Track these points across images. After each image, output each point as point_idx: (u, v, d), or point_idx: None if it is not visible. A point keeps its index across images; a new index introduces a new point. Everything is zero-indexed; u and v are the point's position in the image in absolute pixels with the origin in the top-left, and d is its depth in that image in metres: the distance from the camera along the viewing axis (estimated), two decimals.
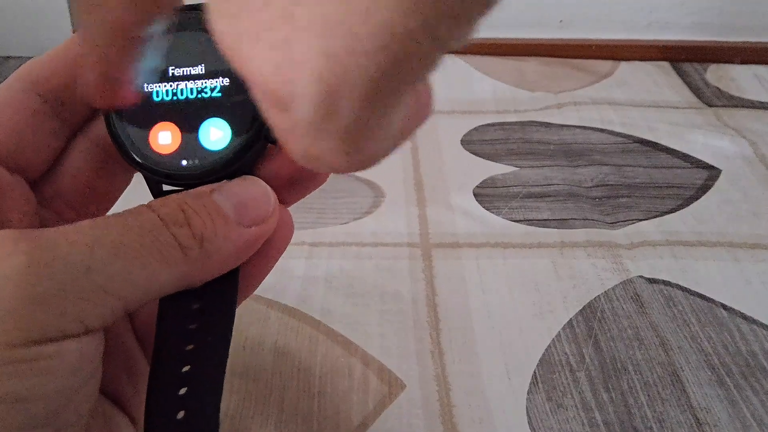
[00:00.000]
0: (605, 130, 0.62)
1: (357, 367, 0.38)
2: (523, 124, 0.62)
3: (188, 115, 0.22)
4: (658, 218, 0.50)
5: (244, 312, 0.41)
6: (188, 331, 0.20)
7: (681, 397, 0.37)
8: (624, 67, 0.73)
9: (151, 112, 0.22)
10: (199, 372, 0.20)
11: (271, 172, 0.22)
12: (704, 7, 0.75)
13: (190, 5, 0.22)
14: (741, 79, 0.71)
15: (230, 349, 0.20)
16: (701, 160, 0.57)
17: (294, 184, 0.22)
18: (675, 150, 0.59)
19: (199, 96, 0.22)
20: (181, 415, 0.19)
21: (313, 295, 0.43)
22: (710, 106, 0.66)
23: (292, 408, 0.36)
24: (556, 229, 0.49)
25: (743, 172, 0.56)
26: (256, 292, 0.25)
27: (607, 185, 0.54)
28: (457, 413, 0.36)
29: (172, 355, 0.20)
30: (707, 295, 0.44)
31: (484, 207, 0.51)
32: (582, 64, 0.73)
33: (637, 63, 0.74)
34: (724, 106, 0.66)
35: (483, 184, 0.53)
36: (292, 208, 0.23)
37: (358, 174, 0.54)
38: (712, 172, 0.56)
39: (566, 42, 0.75)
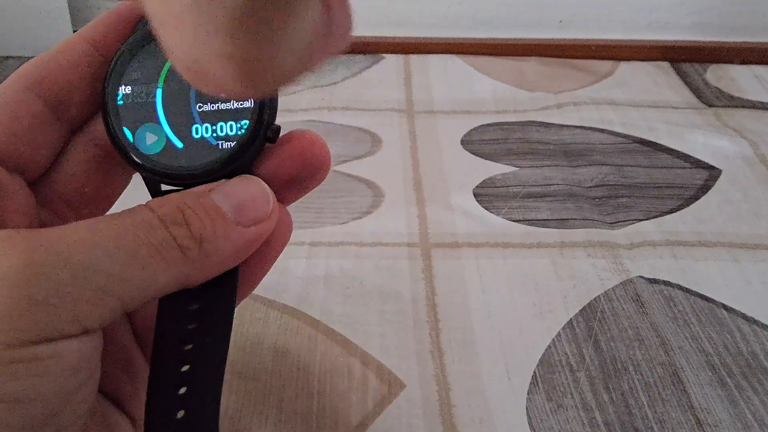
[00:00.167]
0: (605, 130, 0.61)
1: (356, 366, 0.38)
2: (522, 124, 0.62)
3: (187, 115, 0.21)
4: (658, 218, 0.50)
5: (244, 312, 0.41)
6: (187, 330, 0.20)
7: (682, 397, 0.37)
8: (624, 67, 0.73)
9: (151, 112, 0.22)
10: (199, 371, 0.20)
11: (270, 171, 0.22)
12: (704, 7, 0.75)
13: None
14: (741, 80, 0.71)
15: (229, 349, 0.20)
16: (701, 160, 0.57)
17: (293, 184, 0.22)
18: (675, 150, 0.59)
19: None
20: (180, 414, 0.19)
21: (313, 295, 0.43)
22: (710, 106, 0.66)
23: (291, 407, 0.36)
24: (556, 229, 0.49)
25: (743, 172, 0.56)
26: (256, 291, 0.25)
27: (607, 185, 0.54)
28: (457, 413, 0.36)
29: (172, 355, 0.20)
30: (708, 295, 0.43)
31: (483, 207, 0.51)
32: (582, 64, 0.73)
33: (637, 63, 0.74)
34: (724, 106, 0.66)
35: (483, 184, 0.53)
36: (291, 208, 0.23)
37: (357, 173, 0.54)
38: (712, 172, 0.56)
39: (566, 42, 0.75)
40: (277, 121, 0.22)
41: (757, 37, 0.76)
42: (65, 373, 0.17)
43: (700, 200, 0.52)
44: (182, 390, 0.20)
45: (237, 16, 0.11)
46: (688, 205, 0.52)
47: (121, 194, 0.24)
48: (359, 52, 0.74)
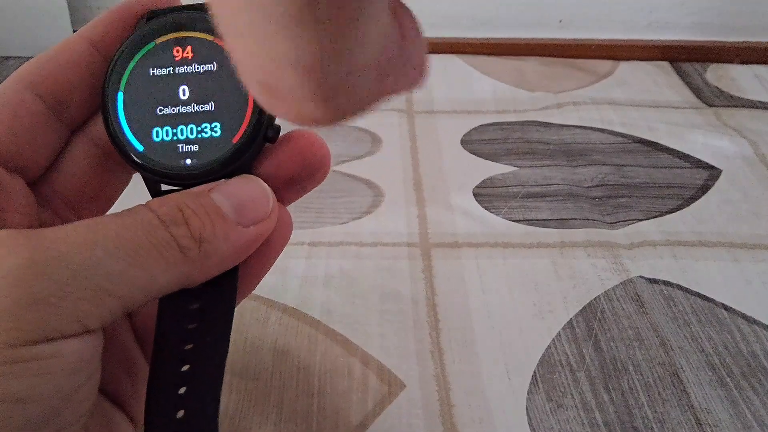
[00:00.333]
0: (605, 130, 0.61)
1: (356, 366, 0.38)
2: (522, 124, 0.62)
3: (187, 114, 0.22)
4: (658, 218, 0.50)
5: (244, 312, 0.41)
6: (187, 330, 0.20)
7: (682, 397, 0.37)
8: (624, 67, 0.73)
9: (150, 112, 0.22)
10: (199, 371, 0.20)
11: (270, 171, 0.22)
12: (704, 7, 0.75)
13: (188, 5, 0.22)
14: (741, 79, 0.71)
15: (230, 349, 0.20)
16: (701, 160, 0.57)
17: (292, 183, 0.22)
18: (675, 150, 0.59)
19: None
20: (180, 414, 0.19)
21: (313, 295, 0.43)
22: (710, 106, 0.66)
23: (291, 407, 0.36)
24: (555, 229, 0.49)
25: (743, 172, 0.56)
26: (256, 291, 0.25)
27: (607, 185, 0.54)
28: (457, 413, 0.36)
29: (172, 355, 0.20)
30: (708, 295, 0.43)
31: (483, 207, 0.51)
32: (582, 64, 0.73)
33: (637, 63, 0.74)
34: (724, 106, 0.66)
35: (482, 184, 0.53)
36: (290, 208, 0.23)
37: (357, 173, 0.54)
38: (712, 172, 0.56)
39: (566, 42, 0.75)
40: (277, 121, 0.22)
41: (757, 37, 0.76)
42: (66, 373, 0.17)
43: (700, 200, 0.52)
44: (182, 390, 0.20)
45: (296, 10, 0.11)
46: (688, 205, 0.52)
47: (121, 194, 0.24)
48: None
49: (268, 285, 0.43)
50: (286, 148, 0.22)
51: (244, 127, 0.21)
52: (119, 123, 0.22)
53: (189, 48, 0.22)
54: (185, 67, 0.22)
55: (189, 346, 0.20)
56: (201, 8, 0.22)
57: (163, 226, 0.18)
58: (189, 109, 0.21)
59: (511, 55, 0.75)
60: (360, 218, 0.49)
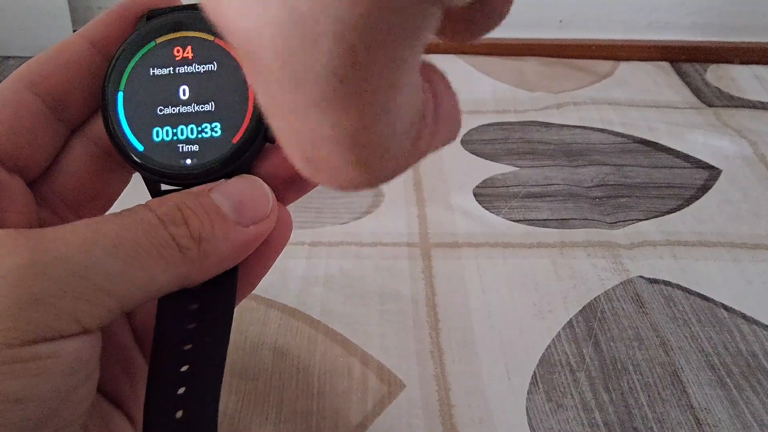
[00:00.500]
0: (605, 130, 0.61)
1: (356, 366, 0.38)
2: (522, 124, 0.62)
3: (187, 114, 0.21)
4: (658, 218, 0.50)
5: (244, 312, 0.41)
6: (187, 330, 0.20)
7: (681, 397, 0.37)
8: (624, 67, 0.73)
9: (150, 112, 0.22)
10: (198, 371, 0.20)
11: (270, 171, 0.22)
12: (704, 7, 0.75)
13: (188, 5, 0.22)
14: (741, 80, 0.71)
15: (229, 349, 0.20)
16: (701, 160, 0.57)
17: (292, 183, 0.22)
18: (675, 150, 0.59)
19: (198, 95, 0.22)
20: (179, 414, 0.19)
21: (313, 295, 0.43)
22: (710, 106, 0.66)
23: (291, 408, 0.36)
24: (556, 229, 0.49)
25: (743, 172, 0.56)
26: (256, 291, 0.25)
27: (607, 185, 0.54)
28: (457, 413, 0.36)
29: (171, 355, 0.20)
30: (707, 295, 0.43)
31: (483, 207, 0.51)
32: (582, 64, 0.73)
33: (637, 63, 0.74)
34: (724, 106, 0.66)
35: (483, 184, 0.53)
36: (290, 208, 0.23)
37: None
38: (712, 172, 0.56)
39: (566, 42, 0.75)
40: None
41: (757, 37, 0.76)
42: (64, 373, 0.17)
43: (700, 200, 0.52)
44: (181, 390, 0.19)
45: (329, 89, 0.11)
46: (688, 205, 0.52)
47: (120, 194, 0.24)
48: None
49: (268, 285, 0.43)
50: None
51: (244, 127, 0.21)
52: (119, 123, 0.22)
53: (189, 48, 0.22)
54: (185, 67, 0.21)
55: (188, 346, 0.20)
56: (200, 8, 0.22)
57: (162, 226, 0.18)
58: (189, 109, 0.21)
59: (511, 55, 0.75)
60: (360, 218, 0.49)
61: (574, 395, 0.37)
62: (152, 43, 0.22)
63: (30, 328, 0.16)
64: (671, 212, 0.51)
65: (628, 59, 0.74)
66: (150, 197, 0.22)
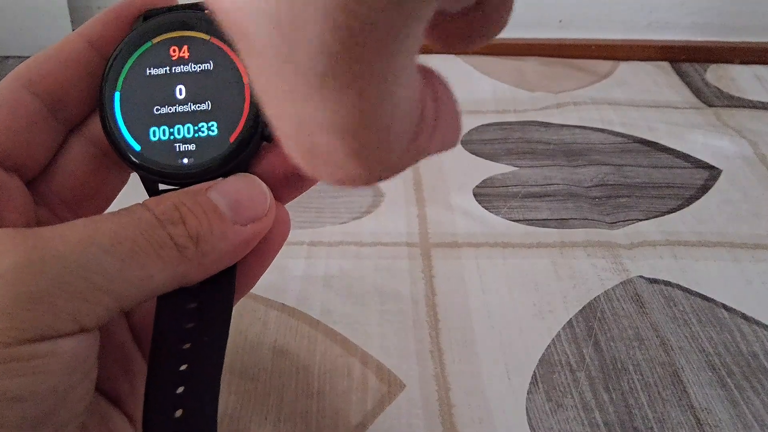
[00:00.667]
0: (605, 130, 0.61)
1: (356, 366, 0.38)
2: (522, 124, 0.62)
3: (184, 113, 0.21)
4: (658, 218, 0.50)
5: (243, 311, 0.41)
6: (185, 329, 0.20)
7: (682, 397, 0.37)
8: (624, 67, 0.73)
9: (147, 112, 0.22)
10: (197, 371, 0.20)
11: (267, 169, 0.22)
12: (704, 7, 0.75)
13: (185, 5, 0.22)
14: (741, 80, 0.71)
15: (229, 349, 0.20)
16: (701, 160, 0.57)
17: (290, 181, 0.22)
18: (675, 150, 0.58)
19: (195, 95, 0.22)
20: (178, 413, 0.19)
21: (312, 295, 0.43)
22: (710, 106, 0.66)
23: (290, 407, 0.36)
24: (555, 229, 0.49)
25: (743, 172, 0.56)
26: (255, 291, 0.25)
27: (607, 185, 0.54)
28: (457, 413, 0.36)
29: (170, 354, 0.20)
30: (708, 295, 0.43)
31: (483, 207, 0.51)
32: (582, 64, 0.73)
33: (637, 63, 0.74)
34: (724, 106, 0.66)
35: (482, 184, 0.53)
36: (290, 208, 0.23)
37: None
38: (712, 172, 0.56)
39: (566, 42, 0.75)
40: None
41: (757, 37, 0.76)
42: (62, 372, 0.17)
43: (700, 200, 0.52)
44: (180, 389, 0.19)
45: (322, 67, 0.11)
46: (688, 205, 0.52)
47: (118, 193, 0.24)
48: None
49: (267, 284, 0.43)
50: None
51: (241, 125, 0.21)
52: (116, 123, 0.22)
53: (186, 47, 0.22)
54: (182, 66, 0.21)
55: (187, 345, 0.20)
56: (198, 8, 0.22)
57: (159, 225, 0.18)
58: (186, 108, 0.21)
59: (511, 55, 0.75)
60: (360, 218, 0.49)
61: (574, 395, 0.37)
62: (149, 43, 0.22)
63: (28, 326, 0.16)
64: (671, 212, 0.51)
65: (628, 59, 0.74)
66: (148, 196, 0.22)
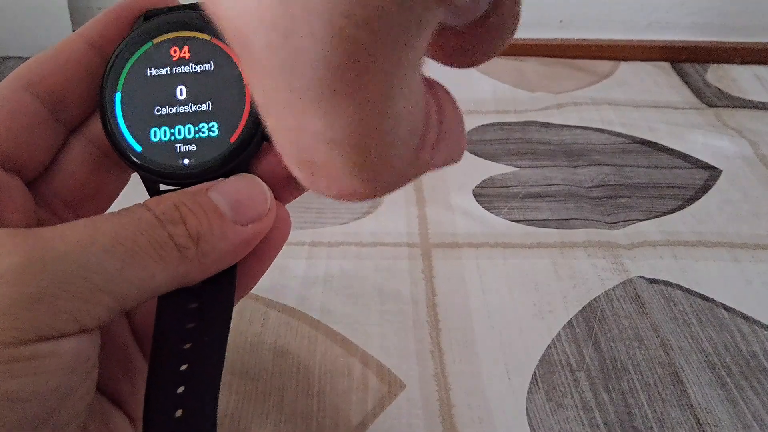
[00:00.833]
0: (605, 130, 0.61)
1: (356, 366, 0.38)
2: (522, 124, 0.62)
3: (185, 114, 0.21)
4: (658, 218, 0.50)
5: (244, 311, 0.41)
6: (186, 329, 0.20)
7: (681, 397, 0.37)
8: (624, 67, 0.73)
9: (148, 113, 0.22)
10: (197, 371, 0.20)
11: (268, 169, 0.22)
12: (704, 7, 0.75)
13: (185, 5, 0.22)
14: (741, 80, 0.71)
15: (229, 349, 0.20)
16: (701, 161, 0.57)
17: (290, 182, 0.22)
18: (675, 150, 0.58)
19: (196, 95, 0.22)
20: (179, 413, 0.19)
21: (313, 295, 0.43)
22: (710, 106, 0.66)
23: (291, 408, 0.36)
24: (556, 229, 0.49)
25: (743, 173, 0.56)
26: (256, 291, 0.25)
27: (607, 185, 0.54)
28: (457, 413, 0.36)
29: (170, 354, 0.20)
30: (708, 295, 0.43)
31: (483, 207, 0.51)
32: (582, 64, 0.73)
33: (637, 63, 0.74)
34: (725, 106, 0.66)
35: (483, 184, 0.53)
36: (291, 209, 0.23)
37: None
38: (713, 173, 0.56)
39: (566, 42, 0.75)
40: None
41: (757, 37, 0.76)
42: (63, 372, 0.17)
43: (700, 200, 0.52)
44: (181, 389, 0.20)
45: (322, 79, 0.11)
46: (688, 205, 0.52)
47: (119, 194, 0.24)
48: None
49: (268, 285, 0.43)
50: None
51: (241, 126, 0.21)
52: (117, 123, 0.22)
53: (186, 48, 0.22)
54: (182, 67, 0.22)
55: (188, 346, 0.20)
56: (198, 8, 0.22)
57: (160, 225, 0.18)
58: (186, 109, 0.21)
59: (511, 55, 0.75)
60: (360, 218, 0.49)
61: (574, 395, 0.37)
62: (149, 44, 0.22)
63: (29, 327, 0.16)
64: (671, 212, 0.51)
65: (628, 59, 0.74)
66: (148, 197, 0.22)
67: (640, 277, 0.45)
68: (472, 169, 0.55)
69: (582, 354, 0.39)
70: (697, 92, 0.68)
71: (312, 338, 0.40)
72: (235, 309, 0.21)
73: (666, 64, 0.74)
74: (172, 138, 0.21)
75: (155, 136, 0.21)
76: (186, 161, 0.21)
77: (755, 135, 0.61)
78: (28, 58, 0.22)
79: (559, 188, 0.53)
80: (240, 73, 0.21)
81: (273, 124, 0.12)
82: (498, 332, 0.40)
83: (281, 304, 0.42)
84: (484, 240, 0.48)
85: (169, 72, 0.22)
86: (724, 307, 0.43)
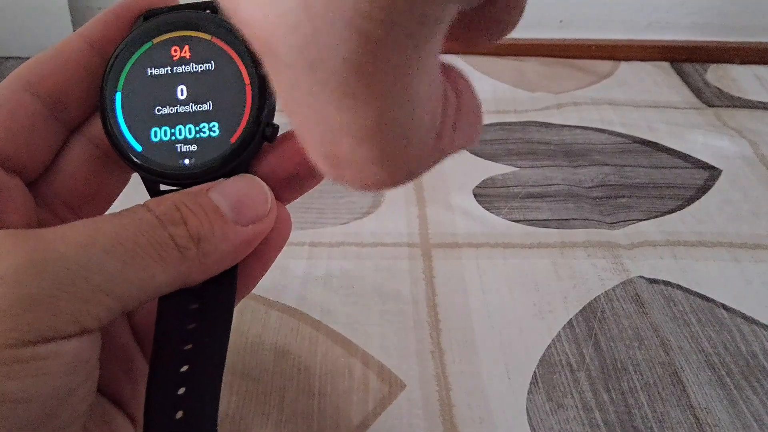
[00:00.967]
0: (605, 130, 0.61)
1: (357, 367, 0.38)
2: (523, 124, 0.62)
3: (185, 114, 0.21)
4: (658, 218, 0.50)
5: (244, 312, 0.41)
6: (187, 330, 0.20)
7: (681, 397, 0.37)
8: (624, 67, 0.73)
9: (148, 112, 0.22)
10: (198, 372, 0.20)
11: (268, 170, 0.22)
12: (704, 7, 0.75)
13: (185, 5, 0.22)
14: (741, 80, 0.71)
15: (230, 349, 0.20)
16: (701, 160, 0.57)
17: (291, 182, 0.22)
18: (675, 150, 0.58)
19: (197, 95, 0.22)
20: (179, 414, 0.19)
21: (313, 295, 0.43)
22: (710, 106, 0.66)
23: (291, 408, 0.36)
24: (556, 229, 0.49)
25: (743, 172, 0.56)
26: (256, 291, 0.25)
27: (607, 185, 0.54)
28: (457, 413, 0.36)
29: (171, 355, 0.20)
30: (707, 295, 0.43)
31: (483, 207, 0.51)
32: (582, 64, 0.73)
33: (637, 63, 0.74)
34: (725, 106, 0.66)
35: (483, 184, 0.53)
36: (291, 209, 0.23)
37: None
38: (713, 172, 0.56)
39: (566, 42, 0.75)
40: (276, 120, 0.22)
41: (757, 37, 0.76)
42: (63, 373, 0.17)
43: (700, 200, 0.52)
44: (181, 390, 0.20)
45: (347, 77, 0.11)
46: (688, 205, 0.52)
47: (119, 194, 0.24)
48: None
49: (268, 285, 0.43)
50: (285, 147, 0.22)
51: (242, 126, 0.21)
52: (117, 123, 0.22)
53: (187, 47, 0.22)
54: (183, 66, 0.21)
55: (188, 346, 0.20)
56: (198, 7, 0.22)
57: (161, 226, 0.18)
58: (187, 108, 0.21)
59: (511, 55, 0.75)
60: (360, 218, 0.49)
61: (574, 395, 0.37)
62: (150, 43, 0.22)
63: (29, 328, 0.16)
64: (671, 212, 0.51)
65: (628, 59, 0.74)
66: (149, 197, 0.22)
67: (640, 277, 0.45)
68: (472, 169, 0.55)
69: (582, 354, 0.39)
70: (697, 92, 0.68)
71: (313, 338, 0.40)
72: (235, 309, 0.21)
73: (666, 64, 0.74)
74: (173, 138, 0.21)
75: (156, 136, 0.21)
76: (186, 161, 0.21)
77: (755, 135, 0.61)
78: (29, 58, 0.22)
79: (559, 188, 0.53)
80: (241, 73, 0.21)
81: (298, 120, 0.12)
82: (498, 332, 0.40)
83: (282, 304, 0.42)
84: (484, 240, 0.48)
85: (169, 72, 0.22)
86: (724, 307, 0.43)
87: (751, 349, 0.40)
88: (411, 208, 0.50)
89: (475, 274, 0.45)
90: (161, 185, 0.22)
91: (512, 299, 0.43)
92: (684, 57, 0.74)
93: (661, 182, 0.54)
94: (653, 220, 0.50)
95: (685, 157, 0.57)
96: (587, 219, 0.50)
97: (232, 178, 0.21)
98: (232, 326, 0.21)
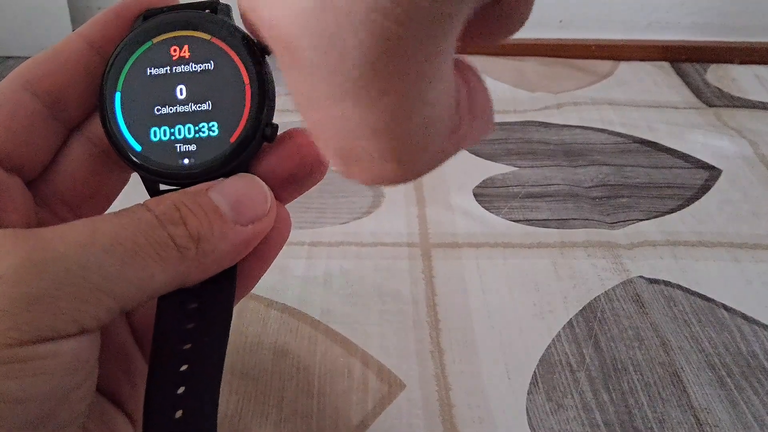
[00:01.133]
0: (605, 130, 0.61)
1: (356, 366, 0.38)
2: (522, 124, 0.62)
3: (185, 114, 0.21)
4: (658, 218, 0.50)
5: (244, 312, 0.41)
6: (186, 330, 0.20)
7: (681, 397, 0.37)
8: (624, 67, 0.73)
9: (148, 112, 0.22)
10: (197, 371, 0.20)
11: (268, 170, 0.22)
12: (704, 7, 0.75)
13: (185, 4, 0.22)
14: (741, 80, 0.71)
15: (229, 349, 0.20)
16: (701, 160, 0.57)
17: (291, 182, 0.22)
18: (675, 150, 0.58)
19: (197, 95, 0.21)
20: (179, 414, 0.19)
21: (313, 295, 0.43)
22: (710, 106, 0.66)
23: (291, 408, 0.36)
24: (556, 229, 0.49)
25: (743, 172, 0.56)
26: (256, 291, 0.25)
27: (607, 185, 0.54)
28: (457, 413, 0.36)
29: (170, 355, 0.20)
30: (708, 295, 0.43)
31: (483, 207, 0.51)
32: (582, 64, 0.73)
33: (637, 63, 0.74)
34: (725, 106, 0.66)
35: (483, 184, 0.53)
36: (291, 209, 0.23)
37: None
38: (713, 172, 0.56)
39: (566, 42, 0.75)
40: (275, 120, 0.22)
41: (757, 37, 0.76)
42: (63, 373, 0.17)
43: (700, 200, 0.52)
44: (181, 390, 0.19)
45: (364, 75, 0.11)
46: (688, 205, 0.52)
47: (119, 193, 0.24)
48: None
49: (268, 285, 0.43)
50: (285, 147, 0.22)
51: (241, 126, 0.21)
52: (117, 123, 0.22)
53: (186, 47, 0.21)
54: (182, 66, 0.21)
55: (187, 346, 0.20)
56: (198, 7, 0.22)
57: (160, 226, 0.18)
58: (186, 108, 0.21)
59: (511, 55, 0.75)
60: (360, 218, 0.49)
61: (574, 395, 0.37)
62: (149, 43, 0.22)
63: (29, 328, 0.16)
64: (671, 212, 0.51)
65: (628, 59, 0.74)
66: (148, 197, 0.22)
67: (640, 277, 0.45)
68: (472, 169, 0.55)
69: (582, 354, 0.39)
70: (697, 92, 0.68)
71: (312, 338, 0.40)
72: (235, 309, 0.21)
73: (666, 64, 0.74)
74: (172, 138, 0.21)
75: (155, 136, 0.21)
76: (186, 161, 0.21)
77: (755, 135, 0.61)
78: (28, 57, 0.22)
79: (559, 188, 0.53)
80: (240, 73, 0.21)
81: (314, 117, 0.13)
82: (498, 332, 0.40)
83: (281, 304, 0.42)
84: (484, 240, 0.48)
85: (169, 71, 0.22)
86: (724, 307, 0.43)
87: (751, 349, 0.40)
88: (411, 207, 0.50)
89: (475, 274, 0.45)
90: (161, 185, 0.22)
91: (512, 299, 0.43)
92: (684, 57, 0.74)
93: (661, 182, 0.54)
94: (653, 220, 0.50)
95: (685, 157, 0.57)
96: (587, 219, 0.50)
97: (232, 178, 0.21)
98: (232, 326, 0.21)
